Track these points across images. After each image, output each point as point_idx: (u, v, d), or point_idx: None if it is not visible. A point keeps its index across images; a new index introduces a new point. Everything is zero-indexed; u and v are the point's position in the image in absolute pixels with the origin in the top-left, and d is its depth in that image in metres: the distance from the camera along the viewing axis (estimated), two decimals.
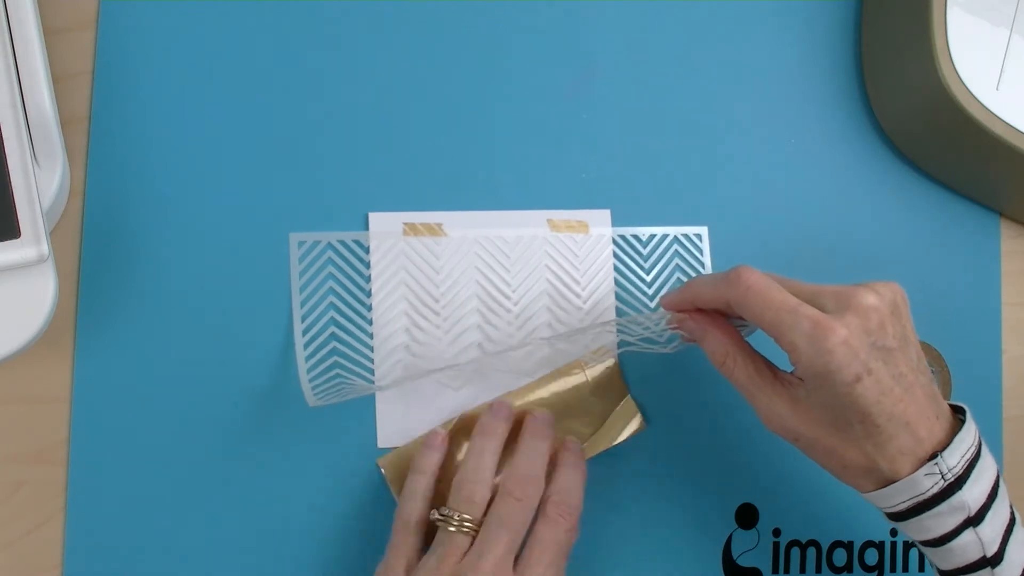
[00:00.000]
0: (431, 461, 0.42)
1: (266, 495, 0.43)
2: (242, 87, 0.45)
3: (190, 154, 0.44)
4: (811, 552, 0.49)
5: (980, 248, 0.53)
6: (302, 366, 0.42)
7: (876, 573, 0.50)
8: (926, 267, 0.52)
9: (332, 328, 0.44)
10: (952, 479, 0.35)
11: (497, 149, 0.47)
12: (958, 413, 0.38)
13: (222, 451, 0.43)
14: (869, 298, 0.35)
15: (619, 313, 0.47)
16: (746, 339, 0.41)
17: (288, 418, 0.44)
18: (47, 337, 0.39)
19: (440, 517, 0.40)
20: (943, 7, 0.46)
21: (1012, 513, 0.37)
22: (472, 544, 0.39)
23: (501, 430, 0.43)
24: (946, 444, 0.36)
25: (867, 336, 0.35)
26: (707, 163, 0.50)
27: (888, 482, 0.36)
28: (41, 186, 0.37)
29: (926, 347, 0.51)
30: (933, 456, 0.36)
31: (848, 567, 0.49)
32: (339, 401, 0.42)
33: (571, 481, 0.42)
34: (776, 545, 0.49)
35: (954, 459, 0.36)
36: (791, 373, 0.38)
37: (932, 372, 0.51)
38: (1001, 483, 0.37)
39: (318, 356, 0.43)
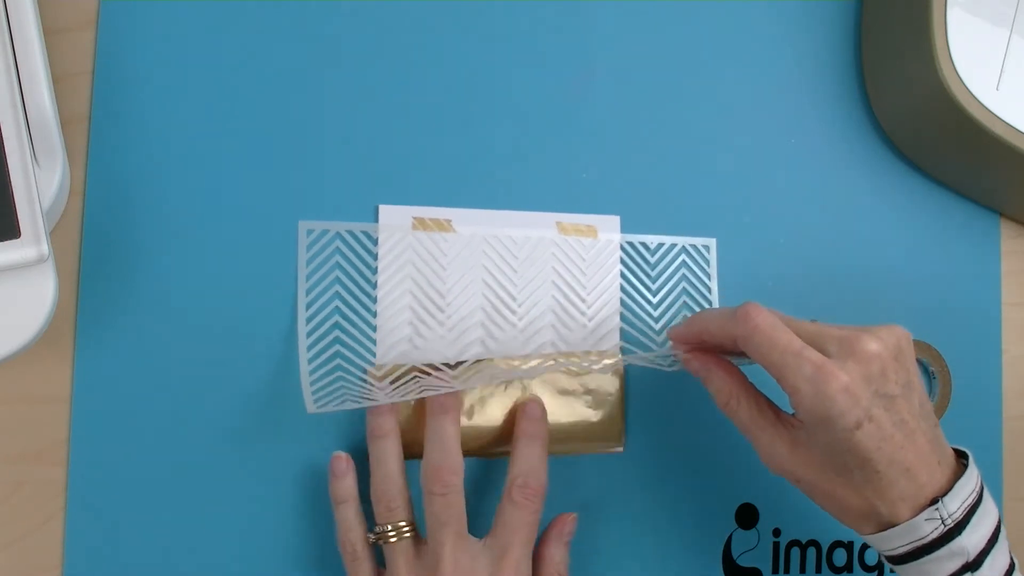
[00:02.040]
0: (345, 488, 0.42)
1: (267, 495, 0.43)
2: (245, 87, 0.45)
3: (191, 154, 0.44)
4: (811, 552, 0.49)
5: (980, 248, 0.53)
6: (304, 369, 0.42)
7: (876, 573, 0.50)
8: (926, 267, 0.52)
9: (336, 318, 0.44)
10: (952, 524, 0.35)
11: (509, 149, 0.47)
12: (962, 457, 0.38)
13: (223, 451, 0.43)
14: (872, 345, 0.35)
15: (623, 320, 0.47)
16: (743, 371, 0.41)
17: (290, 418, 0.44)
18: (47, 337, 0.39)
19: (377, 536, 0.41)
20: (943, 7, 0.46)
21: (1012, 560, 0.37)
22: (418, 544, 0.40)
23: (390, 426, 0.42)
24: (947, 489, 0.36)
25: (868, 383, 0.35)
26: (707, 164, 0.50)
27: (888, 526, 0.36)
28: (41, 186, 0.37)
29: (926, 347, 0.51)
30: (934, 501, 0.36)
31: (848, 567, 0.49)
32: (337, 409, 0.42)
33: (533, 459, 0.42)
34: (776, 545, 0.49)
35: (955, 505, 0.36)
36: (793, 415, 0.38)
37: (932, 373, 0.51)
38: (1002, 529, 0.37)
39: (320, 346, 0.43)
